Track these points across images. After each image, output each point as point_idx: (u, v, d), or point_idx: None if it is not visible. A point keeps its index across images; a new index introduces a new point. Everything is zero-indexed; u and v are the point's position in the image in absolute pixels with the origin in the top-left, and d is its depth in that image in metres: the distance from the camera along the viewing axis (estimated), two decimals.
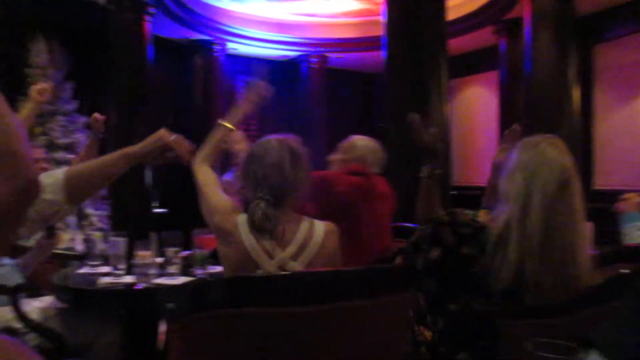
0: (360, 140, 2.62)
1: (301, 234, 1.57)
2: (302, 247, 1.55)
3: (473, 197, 2.48)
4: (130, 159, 1.48)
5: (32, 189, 0.70)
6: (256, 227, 1.55)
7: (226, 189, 5.65)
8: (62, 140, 6.10)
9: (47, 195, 1.30)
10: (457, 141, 7.56)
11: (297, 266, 1.53)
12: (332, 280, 1.25)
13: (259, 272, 1.52)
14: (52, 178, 1.34)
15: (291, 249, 1.54)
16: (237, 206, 1.68)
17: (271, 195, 1.57)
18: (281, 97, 8.50)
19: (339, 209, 2.24)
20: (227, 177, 5.68)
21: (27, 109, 2.39)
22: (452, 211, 1.59)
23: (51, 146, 6.05)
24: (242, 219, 1.59)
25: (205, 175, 1.72)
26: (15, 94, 6.07)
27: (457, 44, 7.19)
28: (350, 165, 2.50)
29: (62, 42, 6.37)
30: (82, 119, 6.42)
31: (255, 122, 8.44)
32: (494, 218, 1.52)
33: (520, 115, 6.13)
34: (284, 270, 1.52)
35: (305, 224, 1.59)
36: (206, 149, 1.78)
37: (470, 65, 8.16)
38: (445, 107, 3.95)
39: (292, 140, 1.66)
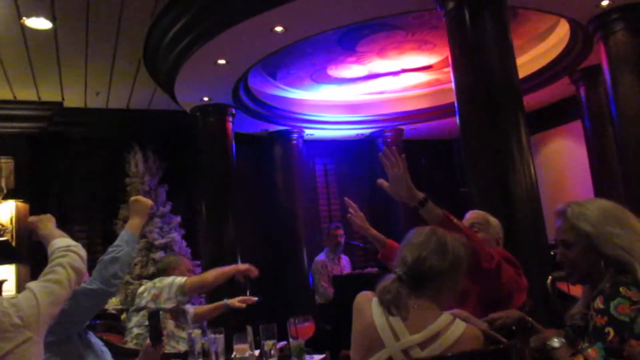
0: (491, 217, 2.47)
1: (436, 325, 1.48)
2: (433, 338, 1.46)
3: None
4: None
5: None
6: (383, 302, 1.53)
7: (317, 269, 5.55)
8: (160, 241, 6.48)
9: None
10: (548, 196, 7.18)
11: (422, 355, 1.44)
12: None
13: (383, 352, 1.46)
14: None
15: (420, 336, 1.46)
16: None
17: (406, 275, 1.55)
18: (360, 174, 8.59)
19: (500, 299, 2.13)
20: (321, 257, 5.72)
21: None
22: None
23: (150, 247, 6.44)
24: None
25: None
26: (118, 202, 6.65)
27: (535, 99, 7.05)
28: (500, 249, 2.34)
29: (155, 150, 6.94)
30: (176, 219, 6.83)
31: (337, 202, 8.55)
32: None
33: (611, 163, 5.80)
34: (408, 355, 1.45)
35: (444, 318, 1.51)
36: None
37: (551, 117, 7.93)
38: (529, 164, 3.79)
39: (450, 235, 1.64)
